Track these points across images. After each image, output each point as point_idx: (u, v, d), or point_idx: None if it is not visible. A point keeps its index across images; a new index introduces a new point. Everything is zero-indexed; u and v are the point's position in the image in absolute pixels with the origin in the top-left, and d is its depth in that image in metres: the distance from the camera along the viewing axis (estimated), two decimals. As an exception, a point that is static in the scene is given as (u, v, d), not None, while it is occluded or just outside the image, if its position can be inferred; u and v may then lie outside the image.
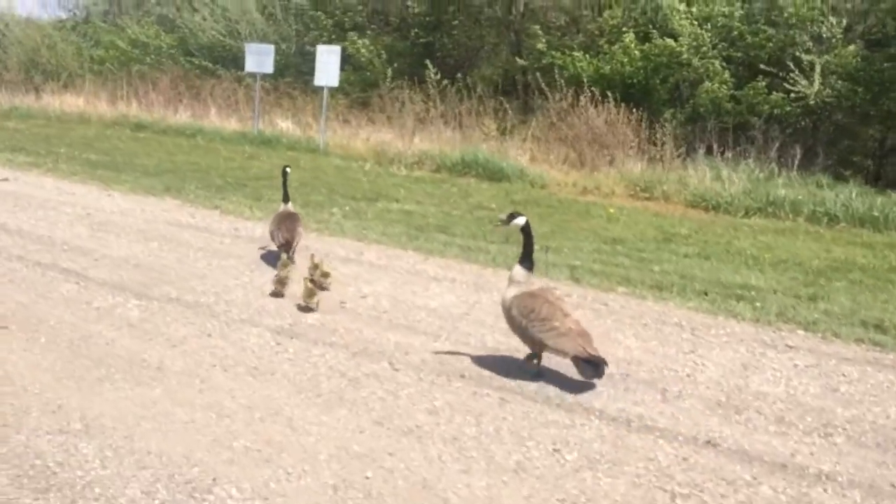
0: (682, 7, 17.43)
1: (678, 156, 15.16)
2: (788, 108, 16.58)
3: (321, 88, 17.09)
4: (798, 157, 14.99)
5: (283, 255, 7.15)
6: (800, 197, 12.00)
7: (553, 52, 18.66)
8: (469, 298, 6.74)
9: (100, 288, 6.53)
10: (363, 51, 21.10)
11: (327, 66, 16.23)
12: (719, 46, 17.19)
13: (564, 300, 5.40)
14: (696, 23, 17.22)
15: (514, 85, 20.76)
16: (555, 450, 4.03)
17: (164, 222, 9.26)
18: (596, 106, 15.57)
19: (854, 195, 11.80)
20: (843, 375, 5.34)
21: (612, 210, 11.65)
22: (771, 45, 17.48)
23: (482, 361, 5.25)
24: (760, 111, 16.75)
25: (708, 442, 4.24)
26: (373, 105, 20.00)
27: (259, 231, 9.01)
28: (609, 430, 4.30)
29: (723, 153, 15.19)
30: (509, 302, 5.07)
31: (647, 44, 17.59)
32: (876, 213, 11.13)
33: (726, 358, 5.56)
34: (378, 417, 4.33)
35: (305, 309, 6.20)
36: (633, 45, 17.48)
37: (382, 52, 21.42)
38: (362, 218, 10.01)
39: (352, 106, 20.37)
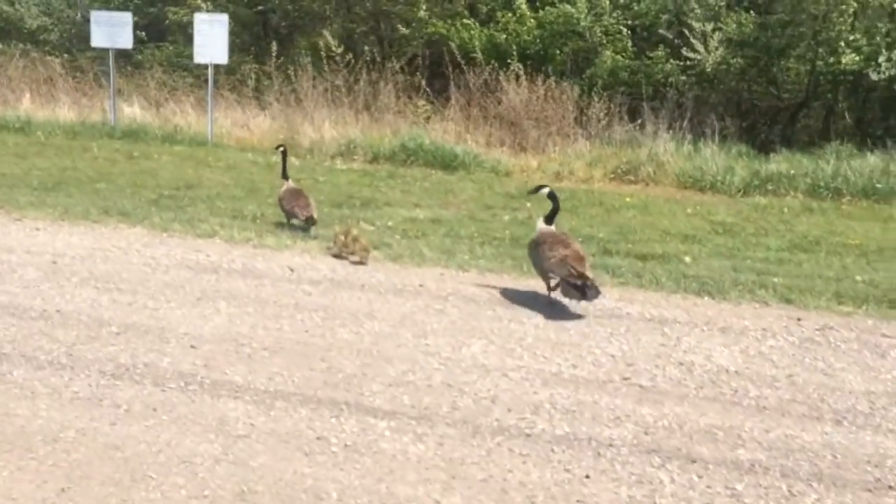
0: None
1: (604, 130, 14.35)
2: (683, 77, 16.36)
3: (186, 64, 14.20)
4: (717, 128, 14.81)
5: (337, 227, 7.45)
6: (792, 171, 11.63)
7: (436, 21, 17.07)
8: (799, 354, 5.26)
9: (295, 407, 4.23)
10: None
11: (211, 38, 13.36)
12: (615, 14, 16.56)
13: (575, 241, 6.14)
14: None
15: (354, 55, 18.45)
16: None
17: (181, 267, 6.67)
18: (519, 80, 14.29)
19: (845, 165, 11.65)
20: None
21: (627, 199, 10.51)
22: (652, 14, 17.17)
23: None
24: (656, 81, 16.37)
25: None
26: (220, 84, 17.19)
27: (323, 269, 6.78)
28: None
29: (640, 126, 14.65)
30: (533, 241, 6.13)
31: (540, 11, 16.56)
32: (879, 185, 11.00)
33: None
34: None
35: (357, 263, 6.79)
36: (527, 13, 16.39)
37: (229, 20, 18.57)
38: (409, 235, 7.99)
39: (201, 87, 17.35)
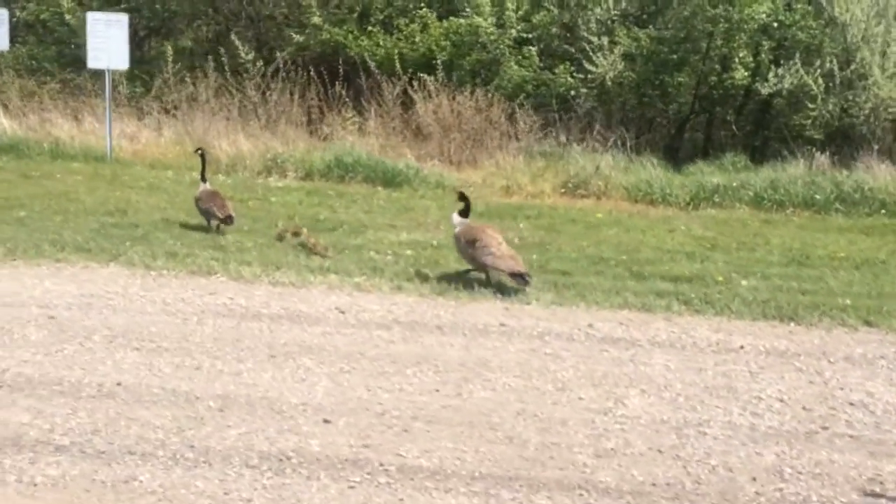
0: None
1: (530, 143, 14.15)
2: (584, 90, 16.44)
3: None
4: (627, 140, 15.00)
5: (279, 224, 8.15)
6: (734, 184, 11.86)
7: (332, 28, 16.20)
8: None
9: (528, 496, 3.50)
10: (68, 14, 16.37)
11: (107, 41, 11.80)
12: (519, 26, 16.36)
13: (497, 231, 6.85)
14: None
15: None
16: None
17: (212, 314, 5.62)
18: (440, 91, 13.80)
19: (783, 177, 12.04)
20: None
21: (598, 215, 10.26)
22: (545, 24, 17.08)
23: None
24: (559, 94, 16.31)
25: None
26: (88, 91, 15.44)
27: (376, 308, 5.95)
28: None
29: (554, 137, 14.63)
30: (458, 234, 6.79)
31: (444, 21, 16.09)
32: (818, 196, 11.43)
33: None
34: None
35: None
36: (435, 21, 15.89)
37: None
38: (424, 263, 7.24)
39: (71, 94, 15.46)
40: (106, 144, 12.19)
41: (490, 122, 13.58)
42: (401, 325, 5.61)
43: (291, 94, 13.53)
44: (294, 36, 16.43)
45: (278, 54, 14.76)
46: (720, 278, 7.31)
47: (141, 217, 8.56)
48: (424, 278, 6.73)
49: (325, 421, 4.08)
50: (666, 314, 6.15)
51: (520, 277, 6.44)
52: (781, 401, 4.63)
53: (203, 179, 8.38)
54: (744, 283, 7.02)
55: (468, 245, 6.61)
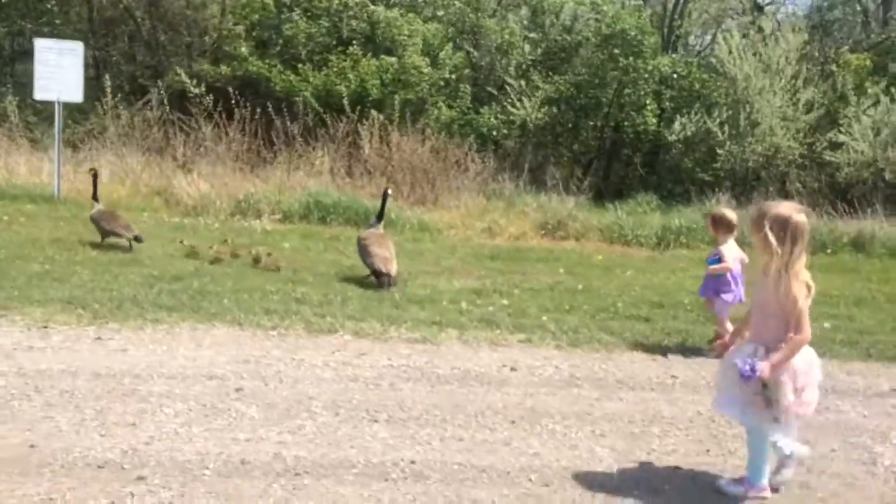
0: (406, 24, 16.33)
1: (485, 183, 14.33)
2: (505, 131, 16.92)
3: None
4: (559, 179, 15.62)
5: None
6: (693, 226, 12.55)
7: (256, 61, 15.74)
8: None
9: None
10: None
11: (59, 71, 10.68)
12: (448, 67, 16.57)
13: (390, 242, 7.99)
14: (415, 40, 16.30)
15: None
16: None
17: (402, 378, 5.25)
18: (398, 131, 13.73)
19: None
20: None
21: (599, 257, 10.55)
22: (461, 67, 17.47)
23: None
24: (482, 134, 16.68)
25: None
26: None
27: (542, 365, 5.81)
28: None
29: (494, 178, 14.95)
30: (359, 237, 8.03)
31: (375, 59, 16.01)
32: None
33: None
34: None
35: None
36: (366, 61, 15.78)
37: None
38: (520, 314, 7.15)
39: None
40: (52, 182, 11.03)
41: (445, 163, 13.58)
42: (587, 382, 5.50)
43: (244, 131, 12.85)
44: (222, 68, 15.74)
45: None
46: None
47: (170, 267, 7.83)
48: (543, 328, 6.63)
49: (655, 490, 3.94)
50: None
51: (380, 277, 7.46)
52: None
53: (96, 199, 8.62)
54: (826, 325, 7.44)
55: (360, 245, 7.81)
